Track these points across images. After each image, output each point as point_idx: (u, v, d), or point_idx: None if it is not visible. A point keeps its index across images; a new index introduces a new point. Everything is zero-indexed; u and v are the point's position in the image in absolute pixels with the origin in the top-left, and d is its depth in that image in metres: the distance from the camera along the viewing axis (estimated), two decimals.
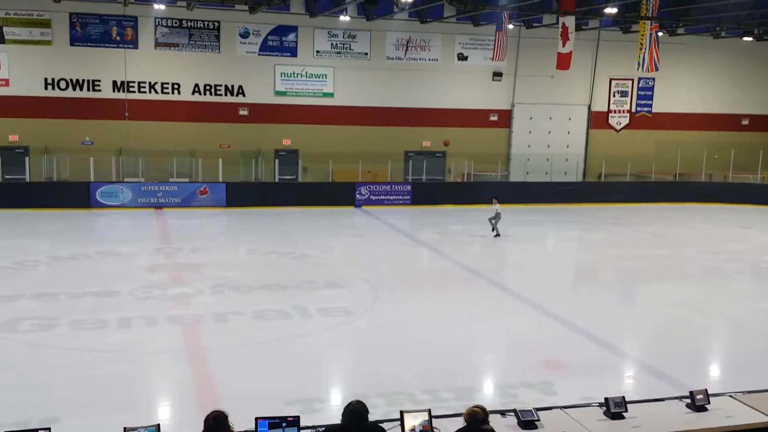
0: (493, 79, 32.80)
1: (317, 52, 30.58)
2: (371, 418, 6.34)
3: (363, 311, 14.45)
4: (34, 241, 20.75)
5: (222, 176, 28.19)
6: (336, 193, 29.08)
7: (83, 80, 28.35)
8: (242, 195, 28.03)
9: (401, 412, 6.46)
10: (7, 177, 27.24)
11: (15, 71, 27.62)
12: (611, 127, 34.96)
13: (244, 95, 30.12)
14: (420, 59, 31.76)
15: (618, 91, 34.77)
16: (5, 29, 27.25)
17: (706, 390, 7.36)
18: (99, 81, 28.51)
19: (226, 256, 19.94)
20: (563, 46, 26.75)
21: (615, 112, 34.90)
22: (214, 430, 5.93)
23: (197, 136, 29.42)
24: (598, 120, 34.68)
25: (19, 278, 16.40)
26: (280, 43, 30.17)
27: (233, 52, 29.68)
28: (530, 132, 33.71)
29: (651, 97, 35.14)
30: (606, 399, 7.11)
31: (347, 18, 29.15)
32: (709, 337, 13.89)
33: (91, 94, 28.50)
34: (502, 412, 7.00)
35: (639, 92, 34.99)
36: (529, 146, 33.54)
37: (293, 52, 30.34)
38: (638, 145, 34.43)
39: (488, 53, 30.90)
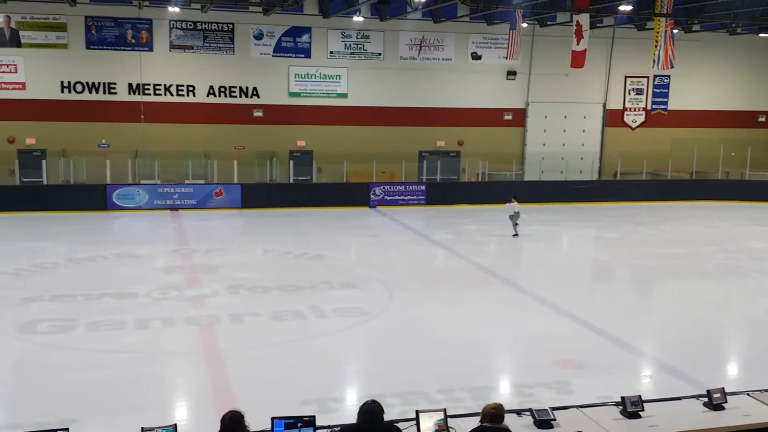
0: (507, 78, 32.72)
1: (331, 52, 30.63)
2: (387, 417, 6.35)
3: (378, 312, 14.47)
4: (52, 243, 20.92)
5: (237, 178, 28.30)
6: (350, 194, 29.10)
7: (99, 83, 28.54)
8: (257, 196, 28.10)
9: (417, 412, 6.48)
10: (25, 180, 27.44)
11: (31, 75, 27.85)
12: (627, 125, 34.78)
13: (258, 97, 30.21)
14: (434, 59, 31.73)
15: (633, 89, 34.59)
16: (22, 33, 27.46)
17: (723, 389, 7.32)
18: (115, 84, 28.69)
19: (241, 257, 20.01)
20: (577, 44, 26.63)
21: (630, 110, 34.72)
22: (230, 429, 5.97)
23: (212, 137, 29.54)
24: (613, 118, 34.51)
25: (37, 280, 16.52)
26: (293, 45, 30.24)
27: (247, 54, 29.78)
28: (545, 131, 33.59)
29: (666, 95, 34.94)
30: (622, 398, 7.09)
31: (360, 18, 29.17)
32: (727, 335, 13.81)
33: (107, 97, 28.68)
34: (518, 412, 7.00)
35: (654, 90, 34.78)
36: (543, 145, 33.42)
37: (307, 53, 30.40)
38: (654, 143, 34.22)
39: (502, 52, 30.81)
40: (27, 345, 12.15)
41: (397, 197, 29.31)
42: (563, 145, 33.70)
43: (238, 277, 16.82)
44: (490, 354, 12.31)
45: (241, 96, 30.02)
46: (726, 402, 7.22)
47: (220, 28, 29.22)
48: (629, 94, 34.58)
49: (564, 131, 33.86)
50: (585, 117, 34.17)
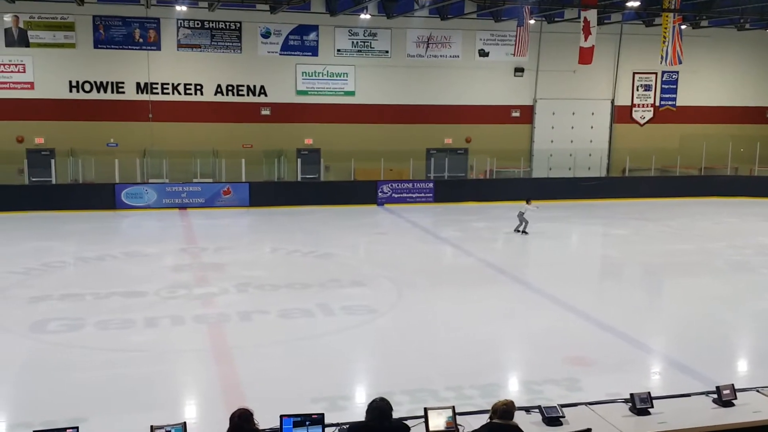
0: (514, 75, 32.65)
1: (338, 50, 30.63)
2: (395, 415, 6.36)
3: (386, 309, 14.48)
4: (61, 242, 21.00)
5: (245, 176, 28.35)
6: (358, 192, 29.09)
7: (107, 82, 28.63)
8: (265, 194, 28.13)
9: (425, 410, 6.49)
10: (34, 179, 27.56)
11: (40, 74, 27.96)
12: (635, 122, 34.67)
13: (266, 95, 30.25)
14: (441, 56, 31.69)
15: (641, 85, 34.47)
16: (30, 33, 27.57)
17: (732, 385, 7.30)
18: (123, 83, 28.77)
19: (250, 255, 20.03)
20: (585, 40, 26.57)
21: (639, 106, 34.61)
22: (239, 427, 5.98)
23: (220, 136, 29.59)
24: (621, 114, 34.41)
25: (47, 279, 16.59)
26: (301, 43, 30.26)
27: (255, 53, 29.82)
28: (553, 127, 33.51)
29: (675, 91, 34.81)
30: (631, 395, 7.07)
31: (368, 16, 29.14)
32: (736, 331, 13.74)
33: (115, 96, 28.77)
34: (527, 409, 7.00)
35: (663, 86, 34.66)
36: (551, 142, 33.35)
37: (314, 51, 30.42)
38: (662, 139, 34.09)
39: (509, 49, 30.79)
40: (36, 344, 12.19)
41: (404, 195, 29.30)
42: (571, 141, 33.62)
43: (247, 276, 16.85)
44: (499, 351, 12.30)
45: (248, 94, 30.06)
46: (735, 398, 7.20)
47: (228, 27, 29.26)
48: (637, 90, 34.47)
49: (572, 128, 33.77)
50: (593, 113, 34.08)
